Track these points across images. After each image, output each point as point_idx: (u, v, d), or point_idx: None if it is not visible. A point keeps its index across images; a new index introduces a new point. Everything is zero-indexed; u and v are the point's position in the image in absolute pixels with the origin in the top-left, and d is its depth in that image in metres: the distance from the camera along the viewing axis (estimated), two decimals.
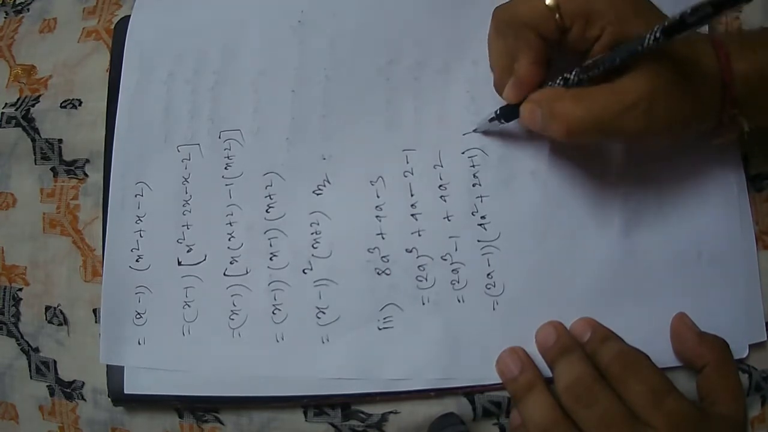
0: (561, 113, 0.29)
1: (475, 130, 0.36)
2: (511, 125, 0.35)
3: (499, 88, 0.34)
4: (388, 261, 0.35)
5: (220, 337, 0.35)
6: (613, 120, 0.29)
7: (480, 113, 0.36)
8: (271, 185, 0.37)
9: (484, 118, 0.35)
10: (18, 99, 0.42)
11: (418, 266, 0.35)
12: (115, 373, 0.36)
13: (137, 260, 0.37)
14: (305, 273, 0.35)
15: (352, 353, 0.35)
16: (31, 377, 0.39)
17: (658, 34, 0.26)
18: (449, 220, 0.35)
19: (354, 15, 0.38)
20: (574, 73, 0.31)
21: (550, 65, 0.32)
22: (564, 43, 0.31)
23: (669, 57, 0.29)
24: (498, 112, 0.34)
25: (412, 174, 0.36)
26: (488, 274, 0.35)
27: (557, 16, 0.29)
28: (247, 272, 0.36)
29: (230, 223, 0.37)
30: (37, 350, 0.39)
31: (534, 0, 0.30)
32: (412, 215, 0.35)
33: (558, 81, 0.31)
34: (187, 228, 0.37)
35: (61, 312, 0.39)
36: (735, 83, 0.29)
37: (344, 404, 0.35)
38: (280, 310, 0.35)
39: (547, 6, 0.29)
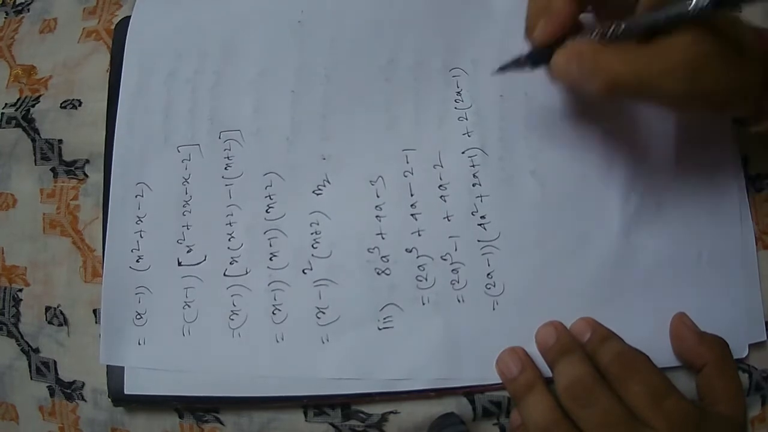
0: (604, 67, 0.28)
1: (499, 69, 0.33)
2: (534, 79, 0.33)
3: (530, 29, 0.31)
4: (388, 261, 0.35)
5: (220, 337, 0.35)
6: (655, 79, 0.28)
7: (481, 113, 0.36)
8: (271, 185, 0.37)
9: (510, 60, 0.32)
10: (18, 99, 0.42)
11: (418, 266, 0.35)
12: (115, 374, 0.36)
13: (137, 261, 0.37)
14: (305, 273, 0.35)
15: (352, 353, 0.34)
16: (31, 378, 0.39)
17: (706, 2, 0.26)
18: (449, 220, 0.35)
19: (354, 15, 0.38)
20: (613, 27, 0.29)
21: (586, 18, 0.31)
22: None
23: (713, 28, 0.28)
24: (527, 55, 0.31)
25: (412, 174, 0.36)
26: (488, 274, 0.35)
27: None
28: (247, 272, 0.36)
29: (230, 224, 0.37)
30: (37, 351, 0.39)
31: None
32: (412, 215, 0.35)
33: (593, 34, 0.29)
34: (187, 228, 0.37)
35: (61, 312, 0.39)
36: None
37: (344, 404, 0.35)
38: (280, 310, 0.35)
39: None
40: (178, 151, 0.38)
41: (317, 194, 0.36)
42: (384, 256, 0.35)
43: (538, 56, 0.31)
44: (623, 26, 0.29)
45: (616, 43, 0.29)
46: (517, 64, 0.32)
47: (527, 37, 0.31)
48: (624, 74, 0.28)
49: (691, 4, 0.26)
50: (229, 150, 0.37)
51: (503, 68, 0.33)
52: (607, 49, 0.28)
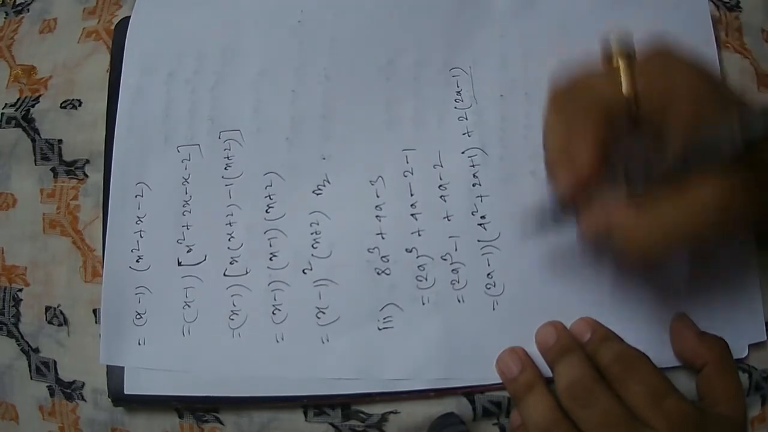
0: (636, 240, 0.27)
1: (525, 235, 0.34)
2: None
3: (552, 171, 0.30)
4: (388, 261, 0.35)
5: (220, 337, 0.35)
6: (688, 238, 0.28)
7: (481, 113, 0.36)
8: (271, 185, 0.37)
9: (534, 222, 0.32)
10: (18, 99, 0.42)
11: (418, 266, 0.35)
12: (115, 374, 0.36)
13: (137, 261, 0.37)
14: (305, 273, 0.35)
15: (352, 353, 0.34)
16: (31, 377, 0.39)
17: (737, 143, 0.24)
18: (449, 220, 0.35)
19: (354, 15, 0.38)
20: (637, 174, 0.28)
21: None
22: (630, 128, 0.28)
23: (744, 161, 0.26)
24: (550, 214, 0.31)
25: (412, 174, 0.36)
26: (488, 274, 0.35)
27: (634, 107, 0.27)
28: (247, 272, 0.36)
29: (230, 224, 0.37)
30: (37, 350, 0.39)
31: (610, 81, 0.27)
32: (412, 215, 0.35)
33: (619, 191, 0.28)
34: (187, 228, 0.37)
35: (61, 312, 0.39)
36: None
37: (344, 404, 0.35)
38: (280, 310, 0.35)
39: (624, 96, 0.27)
40: (178, 151, 0.38)
41: (317, 194, 0.36)
42: (384, 256, 0.35)
43: (562, 213, 0.30)
44: (647, 176, 0.28)
45: (643, 201, 0.27)
46: (542, 223, 0.31)
47: (549, 181, 0.30)
48: (657, 242, 0.27)
49: (719, 147, 0.25)
50: (229, 150, 0.37)
51: (528, 233, 0.33)
52: (638, 218, 0.27)
